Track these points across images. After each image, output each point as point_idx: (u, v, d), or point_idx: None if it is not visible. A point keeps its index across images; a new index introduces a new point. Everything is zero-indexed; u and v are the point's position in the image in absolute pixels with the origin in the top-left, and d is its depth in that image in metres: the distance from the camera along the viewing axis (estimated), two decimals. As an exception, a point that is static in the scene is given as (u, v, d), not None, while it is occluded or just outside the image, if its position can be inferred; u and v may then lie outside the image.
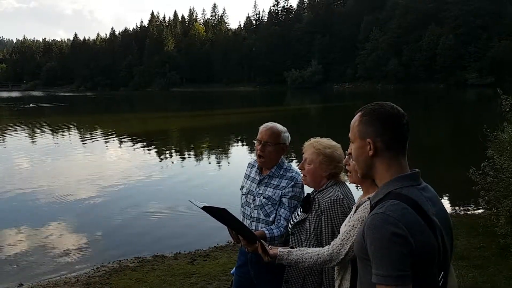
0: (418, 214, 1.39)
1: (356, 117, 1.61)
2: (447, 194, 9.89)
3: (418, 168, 1.56)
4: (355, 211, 2.13)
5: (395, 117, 1.53)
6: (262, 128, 2.96)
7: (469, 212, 8.39)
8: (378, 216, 1.40)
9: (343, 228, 2.15)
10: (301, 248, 2.23)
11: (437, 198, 1.55)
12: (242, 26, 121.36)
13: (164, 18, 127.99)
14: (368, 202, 2.05)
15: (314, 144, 2.60)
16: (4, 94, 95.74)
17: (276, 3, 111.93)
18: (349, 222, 2.12)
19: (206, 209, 2.20)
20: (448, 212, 8.58)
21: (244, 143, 18.74)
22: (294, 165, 3.00)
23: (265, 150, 2.88)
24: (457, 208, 8.88)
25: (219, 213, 2.26)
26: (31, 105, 52.12)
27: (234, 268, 3.27)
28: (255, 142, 2.95)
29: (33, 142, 21.21)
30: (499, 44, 69.92)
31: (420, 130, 22.95)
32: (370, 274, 1.40)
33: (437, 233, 1.41)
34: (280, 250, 2.17)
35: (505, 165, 5.63)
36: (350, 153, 2.21)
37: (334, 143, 2.62)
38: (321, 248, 2.18)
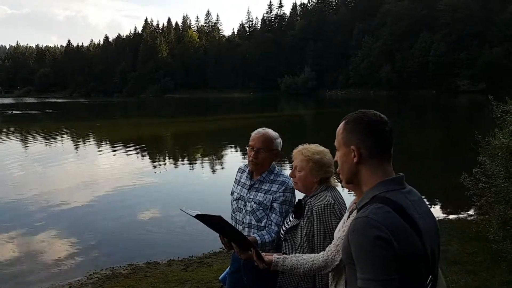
0: (402, 218, 1.37)
1: (341, 125, 1.64)
2: (439, 200, 9.90)
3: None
4: (348, 216, 2.13)
5: (377, 124, 1.55)
6: (254, 134, 2.94)
7: (461, 218, 8.42)
8: (361, 220, 1.39)
9: (337, 233, 2.15)
10: (296, 254, 2.22)
11: (422, 201, 1.54)
12: (235, 33, 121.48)
13: (158, 24, 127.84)
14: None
15: (302, 151, 2.62)
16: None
17: (269, 10, 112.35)
18: (342, 227, 2.12)
19: (199, 217, 2.18)
20: (441, 218, 8.58)
21: (238, 149, 18.74)
22: (285, 170, 3.00)
23: (258, 156, 2.87)
24: (449, 213, 8.91)
25: (213, 221, 2.24)
26: (13, 112, 51.20)
27: (223, 274, 3.25)
28: (247, 148, 2.95)
29: (25, 148, 21.05)
30: (491, 50, 70.55)
31: (412, 136, 23.11)
32: (357, 280, 1.39)
33: (422, 236, 1.39)
34: (275, 256, 2.16)
35: (497, 170, 5.67)
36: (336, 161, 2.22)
37: (322, 148, 2.65)
38: (316, 254, 2.17)
